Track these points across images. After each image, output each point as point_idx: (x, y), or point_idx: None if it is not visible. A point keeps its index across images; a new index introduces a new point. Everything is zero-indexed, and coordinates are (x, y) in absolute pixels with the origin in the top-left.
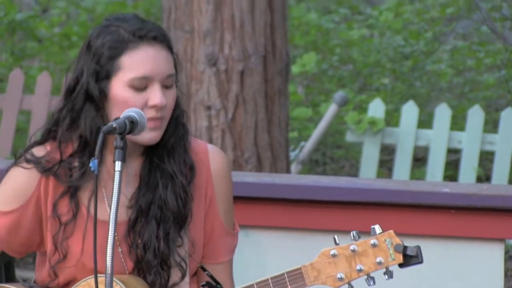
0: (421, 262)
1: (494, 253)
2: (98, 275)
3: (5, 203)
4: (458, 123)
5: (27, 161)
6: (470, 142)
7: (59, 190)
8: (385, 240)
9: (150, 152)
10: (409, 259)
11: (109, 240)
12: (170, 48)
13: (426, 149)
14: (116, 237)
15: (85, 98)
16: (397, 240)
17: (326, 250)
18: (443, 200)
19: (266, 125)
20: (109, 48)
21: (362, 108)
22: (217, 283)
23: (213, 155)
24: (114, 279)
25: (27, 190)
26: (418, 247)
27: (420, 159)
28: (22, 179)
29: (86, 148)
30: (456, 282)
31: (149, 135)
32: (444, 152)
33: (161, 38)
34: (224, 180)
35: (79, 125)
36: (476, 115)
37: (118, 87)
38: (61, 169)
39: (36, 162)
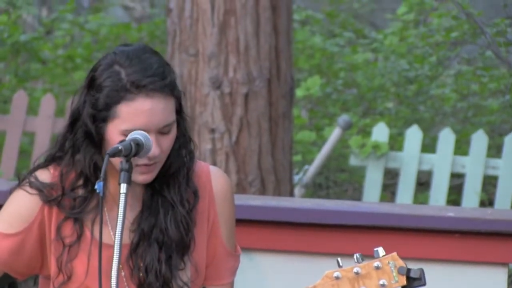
0: (424, 284)
1: (498, 277)
2: None
3: (8, 225)
4: (461, 147)
5: (31, 185)
6: (473, 167)
7: (62, 214)
8: (388, 262)
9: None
10: (412, 281)
11: (114, 263)
12: (172, 93)
13: (429, 174)
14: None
15: (85, 135)
16: (400, 262)
17: (329, 272)
18: (448, 224)
19: (270, 148)
20: (106, 95)
21: (366, 132)
22: None
23: (215, 177)
24: None
25: (30, 214)
26: (421, 270)
27: (423, 183)
28: (25, 203)
29: (88, 182)
30: None
31: (141, 178)
32: (447, 176)
33: (161, 89)
34: (227, 202)
35: (80, 160)
36: (479, 140)
37: (113, 133)
38: (64, 199)
39: (39, 189)
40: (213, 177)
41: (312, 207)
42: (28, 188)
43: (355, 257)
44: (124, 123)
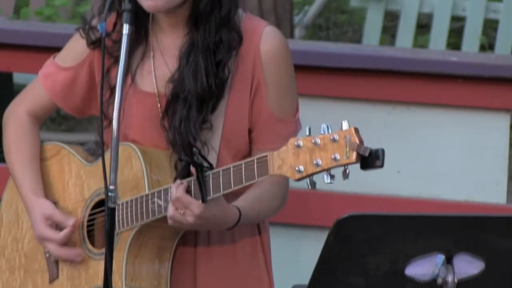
0: (381, 166)
1: (500, 123)
2: (141, 146)
3: (63, 60)
4: None
5: (83, 29)
6: (474, 10)
7: (110, 60)
8: (345, 136)
9: (192, 33)
10: (371, 161)
11: (115, 107)
12: None
13: (429, 16)
14: (159, 109)
15: None
16: (355, 138)
17: (293, 139)
18: (451, 69)
19: None
20: None
21: None
22: (205, 159)
23: (267, 36)
24: (132, 145)
25: (81, 53)
26: (377, 150)
27: (423, 26)
28: (77, 44)
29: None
30: (461, 152)
31: (146, 3)
32: (448, 19)
33: None
34: (276, 63)
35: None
36: None
37: None
38: (108, 40)
39: (87, 33)
40: (264, 36)
41: (314, 49)
42: (81, 31)
43: (321, 127)
44: None
